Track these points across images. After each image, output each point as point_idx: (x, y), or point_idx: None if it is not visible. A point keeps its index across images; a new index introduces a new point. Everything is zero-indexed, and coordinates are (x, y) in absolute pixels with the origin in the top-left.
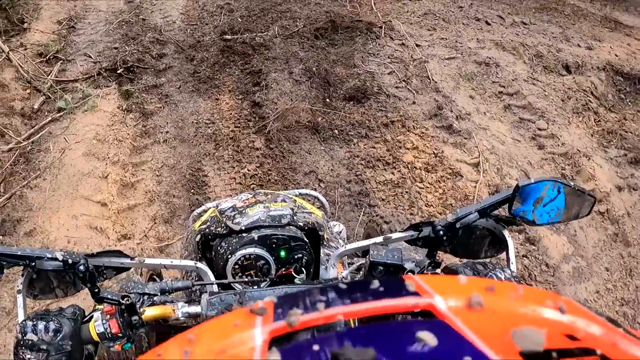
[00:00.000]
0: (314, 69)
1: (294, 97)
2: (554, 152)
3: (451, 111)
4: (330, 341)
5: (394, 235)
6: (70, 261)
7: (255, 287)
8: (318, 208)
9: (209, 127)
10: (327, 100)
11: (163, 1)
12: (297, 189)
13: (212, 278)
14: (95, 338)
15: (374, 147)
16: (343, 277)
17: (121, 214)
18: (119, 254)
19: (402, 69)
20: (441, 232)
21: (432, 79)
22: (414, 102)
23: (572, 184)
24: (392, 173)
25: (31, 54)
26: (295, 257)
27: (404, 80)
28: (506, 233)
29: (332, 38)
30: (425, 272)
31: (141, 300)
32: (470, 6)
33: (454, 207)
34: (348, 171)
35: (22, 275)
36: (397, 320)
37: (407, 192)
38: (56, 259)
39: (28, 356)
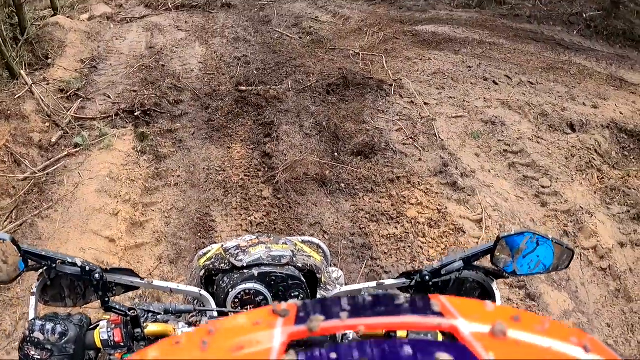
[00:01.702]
0: (324, 123)
1: (303, 150)
2: (557, 209)
3: (456, 168)
4: (349, 352)
5: (387, 282)
6: (87, 269)
7: None
8: (318, 254)
9: (220, 174)
10: (336, 154)
11: (183, 49)
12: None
13: (214, 306)
14: (98, 344)
15: (379, 202)
16: None
17: (128, 251)
18: (131, 273)
19: (410, 127)
20: (427, 277)
21: (439, 137)
22: (420, 159)
23: (550, 236)
24: (396, 227)
25: (53, 89)
26: (292, 294)
27: (411, 138)
28: (494, 286)
29: (343, 94)
30: None
31: (145, 316)
32: (478, 66)
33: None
34: (352, 224)
35: (38, 280)
36: (418, 338)
37: (409, 246)
38: (75, 265)
39: (32, 353)
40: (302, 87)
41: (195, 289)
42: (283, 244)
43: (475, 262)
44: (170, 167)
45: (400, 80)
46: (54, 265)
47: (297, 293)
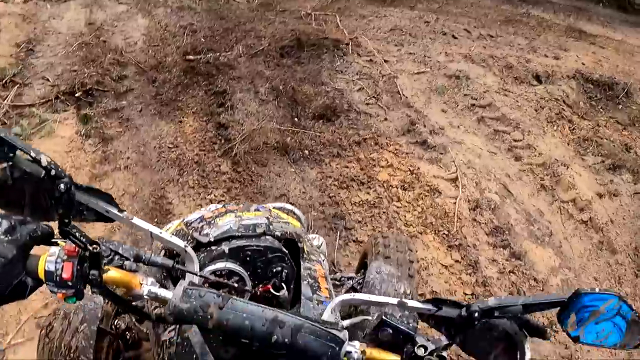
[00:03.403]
0: (280, 87)
1: (260, 118)
2: (532, 162)
3: (424, 126)
4: None
5: (410, 303)
6: (53, 173)
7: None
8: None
9: (172, 152)
10: (296, 119)
11: (125, 23)
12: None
13: (197, 269)
14: (40, 274)
15: (347, 167)
16: (343, 326)
17: None
18: (109, 199)
19: (372, 86)
20: (476, 315)
21: (403, 94)
22: (385, 119)
23: (634, 308)
24: (368, 193)
25: None
26: (274, 270)
27: (374, 97)
28: (527, 345)
29: (298, 56)
30: (436, 354)
31: (110, 257)
32: (436, 21)
33: (434, 225)
34: (321, 193)
35: None
36: None
37: (384, 212)
38: (39, 162)
39: None
40: (254, 52)
41: (181, 243)
42: (255, 210)
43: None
44: (118, 149)
45: (357, 38)
46: (12, 155)
47: (279, 268)
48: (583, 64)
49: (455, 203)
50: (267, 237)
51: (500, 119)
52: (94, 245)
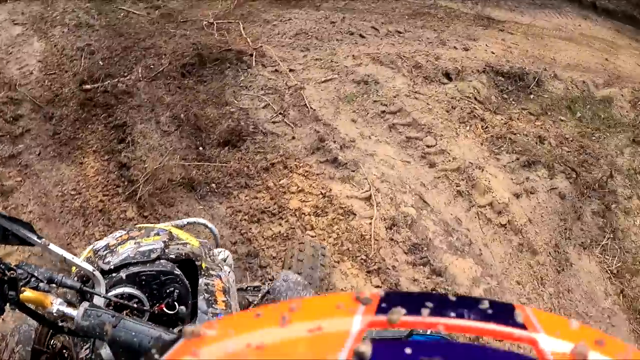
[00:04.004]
0: (182, 115)
1: (163, 152)
2: (446, 168)
3: (334, 141)
4: (425, 350)
5: None
6: None
7: (136, 317)
8: (197, 240)
9: (76, 199)
10: (201, 149)
11: (20, 48)
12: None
13: (104, 290)
14: None
15: (257, 198)
16: None
17: None
18: (30, 228)
19: (278, 100)
20: None
21: (310, 107)
22: (293, 137)
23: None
24: (280, 224)
25: None
26: (167, 291)
27: (280, 113)
28: None
29: (200, 74)
30: None
31: (27, 279)
32: (342, 20)
33: (350, 251)
34: (232, 230)
35: None
36: (500, 350)
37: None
38: None
39: None
40: (153, 75)
41: (90, 267)
42: (155, 235)
43: None
44: (19, 202)
45: (261, 47)
46: None
47: (172, 289)
48: (493, 52)
49: (371, 223)
50: (162, 261)
51: (412, 124)
52: (12, 272)
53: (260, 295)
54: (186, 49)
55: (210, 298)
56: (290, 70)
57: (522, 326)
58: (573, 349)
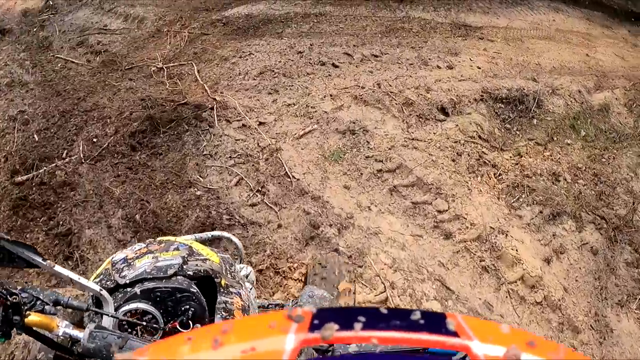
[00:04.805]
0: (137, 216)
1: None
2: (465, 238)
3: (330, 225)
4: None
5: None
6: None
7: (144, 337)
8: (217, 255)
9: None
10: None
11: None
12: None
13: (112, 310)
14: None
15: None
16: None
17: None
18: (34, 251)
19: (252, 171)
20: None
21: (292, 176)
22: (279, 225)
23: None
24: None
25: None
26: (183, 309)
27: (258, 191)
28: None
29: (153, 144)
30: None
31: (33, 302)
32: (310, 48)
33: None
34: None
35: None
36: (428, 355)
37: None
38: None
39: None
40: (97, 152)
41: (96, 287)
42: (174, 249)
43: None
44: None
45: (222, 94)
46: None
47: (187, 307)
48: (479, 67)
49: None
50: (179, 277)
51: (416, 184)
52: (14, 297)
53: None
54: (134, 107)
55: (227, 317)
56: (260, 123)
57: (455, 334)
58: (505, 352)
